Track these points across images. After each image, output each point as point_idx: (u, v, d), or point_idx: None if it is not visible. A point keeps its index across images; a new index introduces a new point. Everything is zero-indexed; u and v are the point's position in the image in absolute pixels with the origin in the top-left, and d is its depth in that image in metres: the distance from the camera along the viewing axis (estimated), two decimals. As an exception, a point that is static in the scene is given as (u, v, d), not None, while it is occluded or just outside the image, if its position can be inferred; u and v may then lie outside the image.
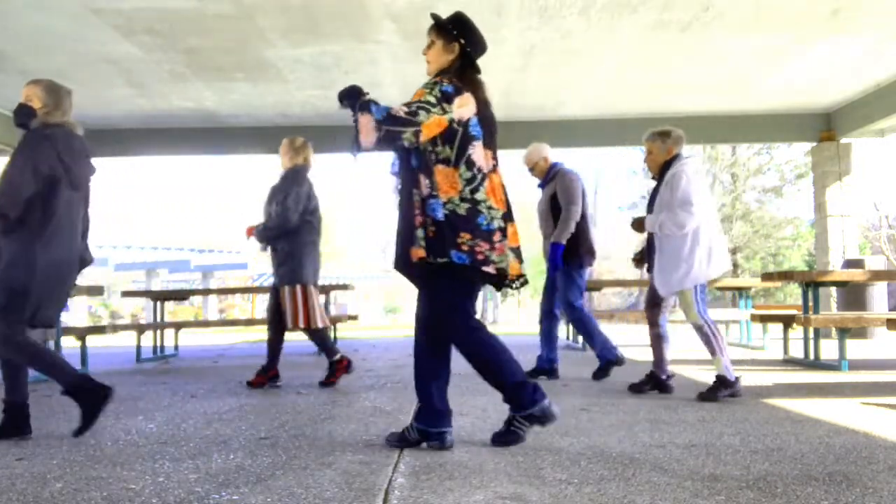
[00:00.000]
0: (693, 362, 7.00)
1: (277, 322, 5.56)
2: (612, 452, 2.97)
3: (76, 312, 20.80)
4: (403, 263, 3.21)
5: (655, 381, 4.91)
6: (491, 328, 3.37)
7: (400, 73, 9.01)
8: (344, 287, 10.53)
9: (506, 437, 3.19)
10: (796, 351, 7.40)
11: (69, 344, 7.55)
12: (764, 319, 8.41)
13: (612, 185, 54.18)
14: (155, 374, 6.73)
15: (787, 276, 7.80)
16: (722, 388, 4.49)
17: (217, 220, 55.77)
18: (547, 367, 6.07)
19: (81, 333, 7.29)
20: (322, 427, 3.70)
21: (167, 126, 11.42)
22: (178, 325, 9.75)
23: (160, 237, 42.75)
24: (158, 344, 8.94)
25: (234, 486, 2.53)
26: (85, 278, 24.83)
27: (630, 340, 10.99)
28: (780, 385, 5.21)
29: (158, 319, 8.95)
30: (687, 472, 2.62)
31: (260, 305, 25.05)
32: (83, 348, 7.22)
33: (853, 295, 9.81)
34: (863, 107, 10.46)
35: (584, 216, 5.83)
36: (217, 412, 4.27)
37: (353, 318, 10.45)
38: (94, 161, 3.84)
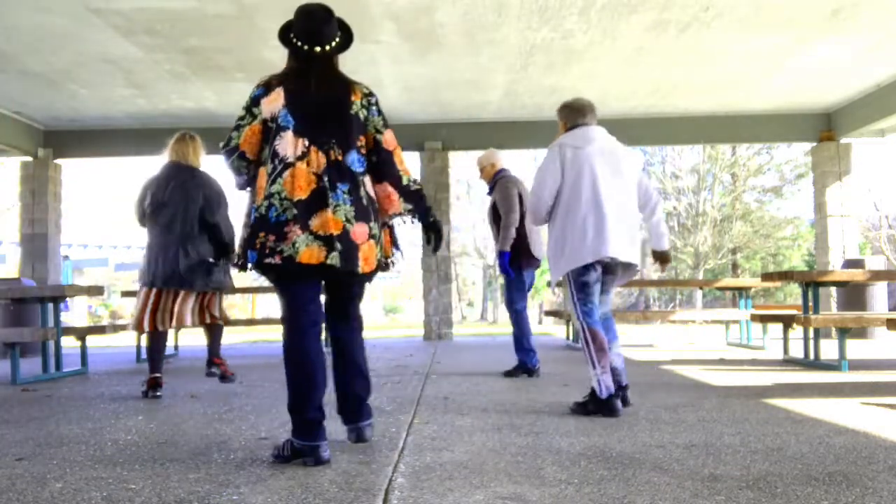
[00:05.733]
0: (694, 362, 7.00)
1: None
2: (612, 452, 2.97)
3: (76, 312, 20.77)
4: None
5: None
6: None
7: (400, 73, 8.99)
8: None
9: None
10: (796, 351, 7.40)
11: (69, 344, 7.55)
12: (764, 319, 8.40)
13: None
14: (155, 374, 6.72)
15: (787, 276, 7.79)
16: (590, 403, 3.90)
17: (217, 220, 55.55)
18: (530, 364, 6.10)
19: (81, 333, 7.28)
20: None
21: (167, 126, 11.42)
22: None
23: (160, 237, 42.51)
24: (158, 344, 8.92)
25: (234, 486, 2.53)
26: (85, 278, 24.83)
27: (630, 341, 10.99)
28: (780, 385, 5.21)
29: (158, 319, 8.93)
30: (687, 472, 2.62)
31: (260, 306, 25.04)
32: (83, 348, 7.22)
33: (853, 295, 9.80)
34: (863, 107, 10.47)
35: (522, 221, 5.91)
36: (217, 412, 4.27)
37: (353, 317, 10.43)
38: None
